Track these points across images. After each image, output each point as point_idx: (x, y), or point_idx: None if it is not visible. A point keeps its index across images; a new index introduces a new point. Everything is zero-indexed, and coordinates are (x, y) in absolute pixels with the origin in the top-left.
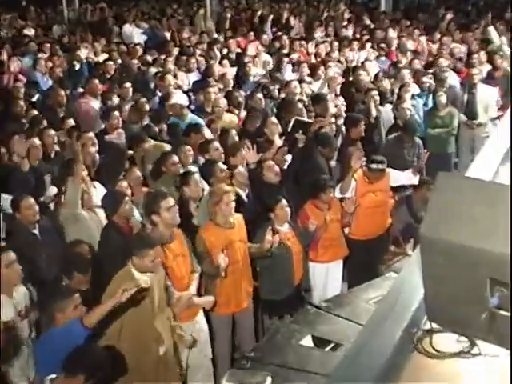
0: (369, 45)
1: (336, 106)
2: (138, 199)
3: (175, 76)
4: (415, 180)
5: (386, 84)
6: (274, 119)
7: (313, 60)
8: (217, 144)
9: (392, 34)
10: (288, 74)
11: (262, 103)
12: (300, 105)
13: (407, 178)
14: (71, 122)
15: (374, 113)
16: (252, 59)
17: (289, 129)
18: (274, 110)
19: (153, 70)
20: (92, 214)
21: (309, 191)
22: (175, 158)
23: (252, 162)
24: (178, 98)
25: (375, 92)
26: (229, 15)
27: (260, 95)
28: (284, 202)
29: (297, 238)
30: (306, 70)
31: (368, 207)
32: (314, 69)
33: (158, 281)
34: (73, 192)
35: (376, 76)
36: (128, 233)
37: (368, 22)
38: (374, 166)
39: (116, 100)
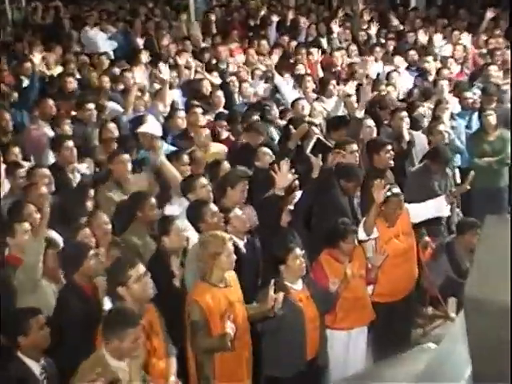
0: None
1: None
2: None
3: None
4: (446, 210)
5: (421, 106)
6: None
7: (320, 72)
8: (204, 180)
9: (424, 36)
10: (287, 90)
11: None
12: (316, 130)
13: (435, 208)
14: (17, 152)
15: (406, 136)
16: (245, 71)
17: (307, 150)
18: (275, 136)
19: (121, 86)
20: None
21: (325, 238)
22: (152, 200)
23: (282, 186)
24: (150, 126)
25: (404, 114)
26: (213, 17)
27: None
28: (298, 251)
29: (312, 299)
30: (311, 84)
31: (394, 256)
32: (323, 83)
33: (136, 368)
34: (34, 252)
35: (410, 93)
36: (92, 297)
37: (395, 22)
38: (393, 189)
39: (68, 127)
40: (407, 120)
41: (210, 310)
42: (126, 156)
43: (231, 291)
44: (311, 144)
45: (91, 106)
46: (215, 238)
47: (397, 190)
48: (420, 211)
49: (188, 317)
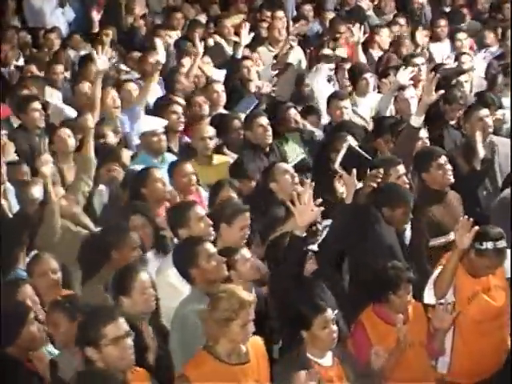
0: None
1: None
2: None
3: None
4: None
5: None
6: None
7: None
8: (200, 210)
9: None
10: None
11: (268, 135)
12: (349, 139)
13: None
14: None
15: (480, 152)
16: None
17: (336, 164)
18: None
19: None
20: None
21: (368, 290)
22: (134, 236)
23: (303, 224)
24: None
25: (484, 112)
26: None
27: (263, 121)
28: (329, 313)
29: (347, 380)
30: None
31: (478, 320)
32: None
33: None
34: None
35: (492, 82)
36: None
37: None
38: (488, 245)
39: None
40: (489, 123)
41: None
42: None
43: (245, 369)
44: (341, 154)
45: (37, 105)
46: (230, 297)
47: (503, 243)
48: None
49: None
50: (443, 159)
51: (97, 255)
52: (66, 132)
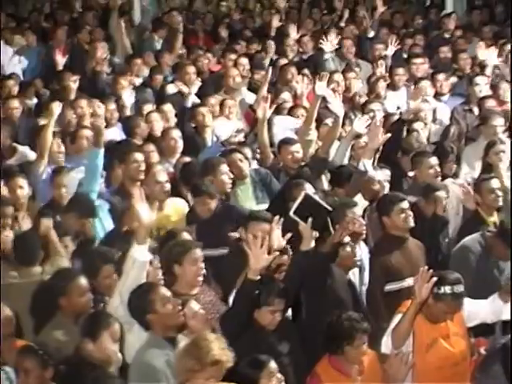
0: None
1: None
2: None
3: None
4: (506, 313)
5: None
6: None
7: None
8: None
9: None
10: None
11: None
12: (307, 187)
13: (493, 310)
14: None
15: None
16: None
17: (291, 211)
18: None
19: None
20: None
21: (322, 340)
22: (82, 281)
23: (256, 268)
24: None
25: (434, 161)
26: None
27: (224, 169)
28: (273, 365)
29: None
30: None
31: (437, 367)
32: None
33: None
34: None
35: (446, 131)
36: None
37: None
38: (446, 289)
39: None
40: (438, 171)
41: None
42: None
43: None
44: (297, 203)
45: None
46: (195, 347)
47: (461, 288)
48: (480, 311)
49: None
50: (405, 204)
51: (47, 303)
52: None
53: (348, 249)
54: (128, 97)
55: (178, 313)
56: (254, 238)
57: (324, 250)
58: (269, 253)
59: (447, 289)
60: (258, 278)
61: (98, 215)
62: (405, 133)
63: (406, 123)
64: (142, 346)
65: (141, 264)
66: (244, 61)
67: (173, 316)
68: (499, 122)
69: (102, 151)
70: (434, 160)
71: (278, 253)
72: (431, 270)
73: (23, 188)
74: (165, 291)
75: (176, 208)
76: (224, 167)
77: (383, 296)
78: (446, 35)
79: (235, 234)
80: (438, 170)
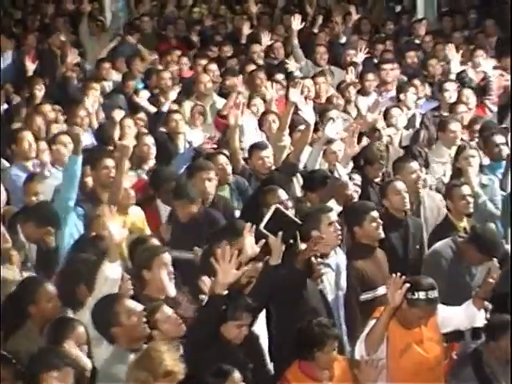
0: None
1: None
2: None
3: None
4: (479, 320)
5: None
6: None
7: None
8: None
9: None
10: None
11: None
12: (280, 193)
13: (467, 317)
14: None
15: (405, 206)
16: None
17: (261, 225)
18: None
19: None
20: None
21: (293, 346)
22: (49, 287)
23: (224, 282)
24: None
25: (415, 165)
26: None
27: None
28: (237, 375)
29: None
30: (274, 125)
31: (411, 371)
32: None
33: None
34: None
35: (415, 135)
36: None
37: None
38: (420, 294)
39: None
40: (420, 175)
41: None
42: None
43: None
44: (267, 217)
45: None
46: (147, 358)
47: (435, 293)
48: (454, 317)
49: None
50: (376, 213)
51: (15, 313)
52: None
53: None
54: (93, 102)
55: (143, 324)
56: (222, 252)
57: (298, 265)
58: (237, 268)
59: (421, 294)
60: (226, 292)
61: (59, 224)
62: (365, 142)
63: (366, 133)
64: (107, 359)
65: (112, 281)
66: (213, 67)
67: (138, 328)
68: (457, 128)
69: (80, 158)
70: (415, 165)
71: (247, 267)
72: (403, 277)
73: None
74: (129, 303)
75: (138, 215)
76: (212, 173)
77: (359, 304)
78: (417, 41)
79: (198, 250)
80: (420, 174)
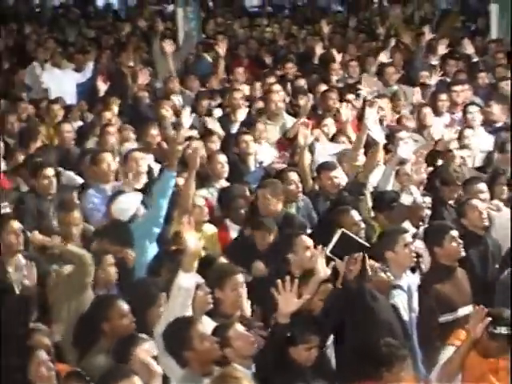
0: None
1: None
2: None
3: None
4: None
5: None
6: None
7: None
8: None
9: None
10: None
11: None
12: (353, 213)
13: None
14: None
15: (484, 222)
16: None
17: (327, 249)
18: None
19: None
20: None
21: (362, 365)
22: (122, 305)
23: (286, 312)
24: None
25: (483, 186)
26: (222, 49)
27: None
28: None
29: None
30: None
31: None
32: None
33: None
34: None
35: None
36: None
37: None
38: (502, 330)
39: None
40: (486, 197)
41: None
42: None
43: None
44: (333, 241)
45: (50, 171)
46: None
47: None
48: None
49: None
50: (455, 232)
51: (89, 331)
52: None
53: (381, 274)
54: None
55: (216, 348)
56: (282, 283)
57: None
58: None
59: (503, 329)
60: (288, 321)
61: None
62: (439, 162)
63: (441, 154)
64: (179, 382)
65: (186, 291)
66: (278, 87)
67: (211, 352)
68: None
69: (175, 174)
70: (482, 186)
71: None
72: (485, 309)
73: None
74: (202, 327)
75: (211, 232)
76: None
77: (437, 327)
78: (490, 61)
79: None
80: (488, 196)
